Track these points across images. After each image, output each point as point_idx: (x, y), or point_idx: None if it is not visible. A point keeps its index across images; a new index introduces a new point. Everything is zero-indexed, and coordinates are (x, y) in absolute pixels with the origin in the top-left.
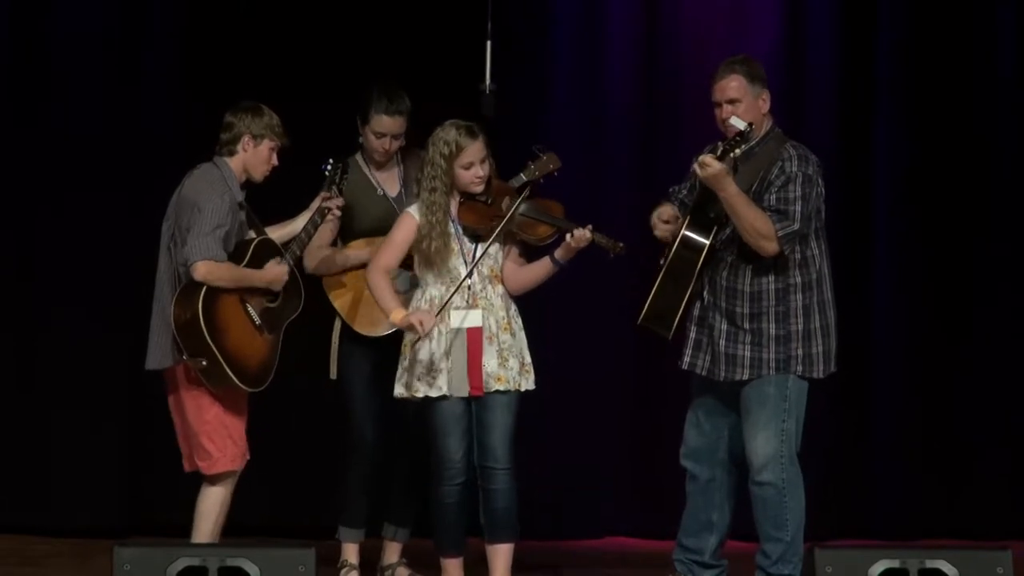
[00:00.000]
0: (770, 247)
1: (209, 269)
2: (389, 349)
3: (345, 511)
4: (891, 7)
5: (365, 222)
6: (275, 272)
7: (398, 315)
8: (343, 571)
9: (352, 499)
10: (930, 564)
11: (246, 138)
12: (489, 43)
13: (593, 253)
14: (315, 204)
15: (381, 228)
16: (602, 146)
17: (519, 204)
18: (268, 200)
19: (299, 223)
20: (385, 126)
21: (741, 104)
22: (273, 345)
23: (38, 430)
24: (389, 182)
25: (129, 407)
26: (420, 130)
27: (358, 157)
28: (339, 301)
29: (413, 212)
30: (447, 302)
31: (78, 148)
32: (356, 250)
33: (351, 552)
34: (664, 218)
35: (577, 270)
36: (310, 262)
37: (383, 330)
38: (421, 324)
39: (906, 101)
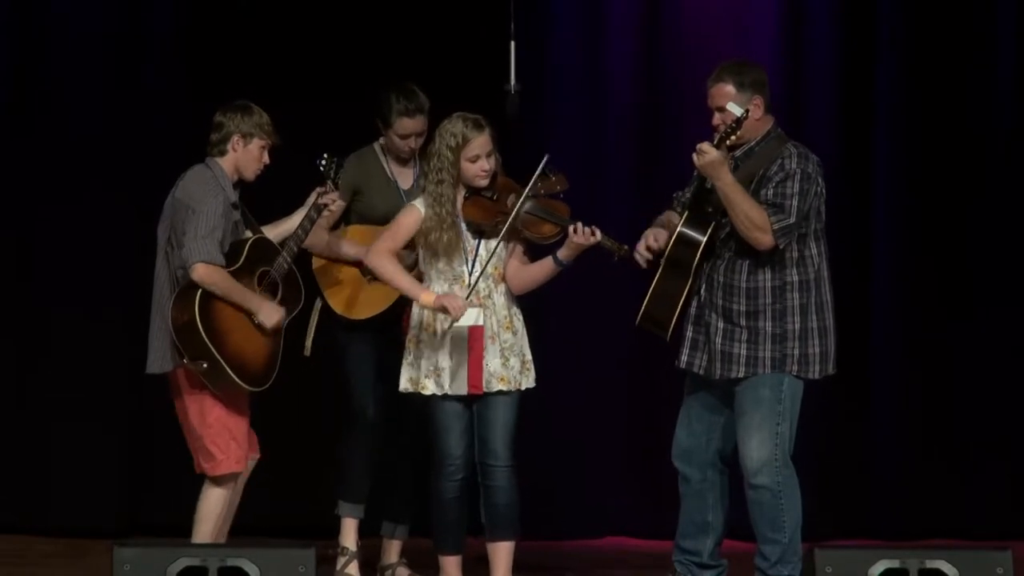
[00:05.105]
0: (764, 239)
1: (207, 271)
2: (389, 334)
3: (344, 484)
4: (891, 7)
5: (374, 209)
6: (270, 310)
7: (428, 298)
8: (341, 560)
9: (352, 473)
10: (930, 564)
11: (236, 137)
12: (513, 43)
13: (595, 253)
14: (311, 199)
15: (386, 217)
16: (602, 147)
17: (524, 201)
18: (267, 198)
19: (295, 220)
20: (408, 127)
21: (726, 109)
22: (274, 343)
23: (38, 430)
24: (404, 176)
25: (129, 408)
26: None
27: (376, 147)
28: (334, 298)
29: (418, 205)
30: (474, 285)
31: (78, 149)
32: (352, 241)
33: (350, 532)
34: (649, 242)
35: (579, 269)
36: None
37: (378, 310)
38: (454, 308)
39: (906, 102)
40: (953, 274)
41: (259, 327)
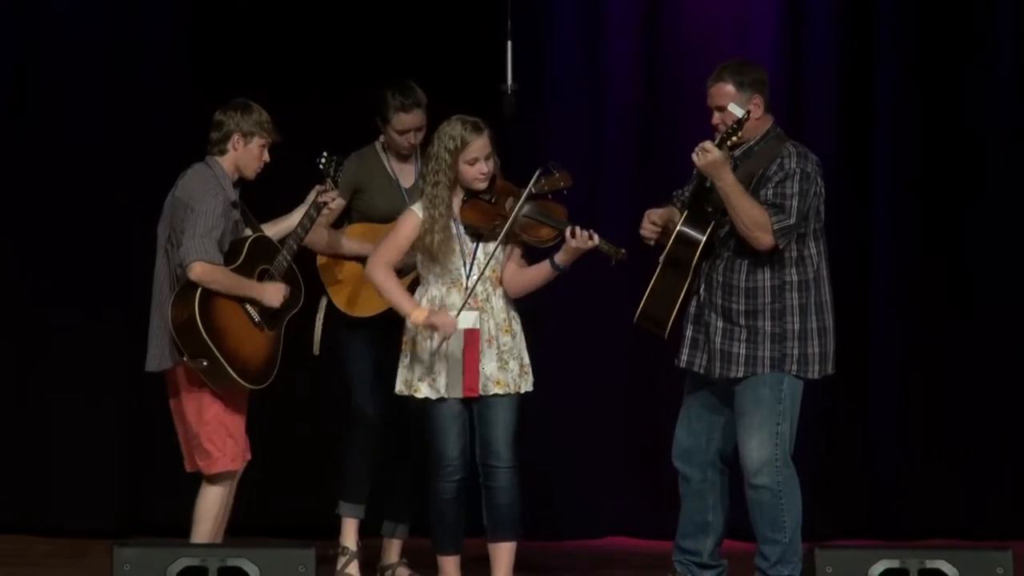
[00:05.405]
0: (765, 239)
1: (205, 270)
2: (388, 331)
3: (345, 485)
4: (891, 7)
5: (375, 208)
6: (271, 291)
7: (419, 316)
8: (342, 559)
9: (352, 473)
10: (930, 564)
11: (236, 136)
12: (510, 43)
13: (593, 255)
14: (310, 198)
15: (388, 216)
16: (602, 147)
17: (522, 204)
18: (267, 197)
19: (295, 218)
20: (406, 123)
21: (727, 110)
22: (274, 341)
23: (38, 431)
24: (405, 173)
25: (129, 408)
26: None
27: (377, 146)
28: (338, 294)
29: (416, 210)
30: (466, 299)
31: (78, 149)
32: (353, 238)
33: (350, 532)
34: (652, 218)
35: (577, 272)
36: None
37: (381, 308)
38: (444, 327)
39: (906, 102)
40: (953, 274)
41: (262, 318)
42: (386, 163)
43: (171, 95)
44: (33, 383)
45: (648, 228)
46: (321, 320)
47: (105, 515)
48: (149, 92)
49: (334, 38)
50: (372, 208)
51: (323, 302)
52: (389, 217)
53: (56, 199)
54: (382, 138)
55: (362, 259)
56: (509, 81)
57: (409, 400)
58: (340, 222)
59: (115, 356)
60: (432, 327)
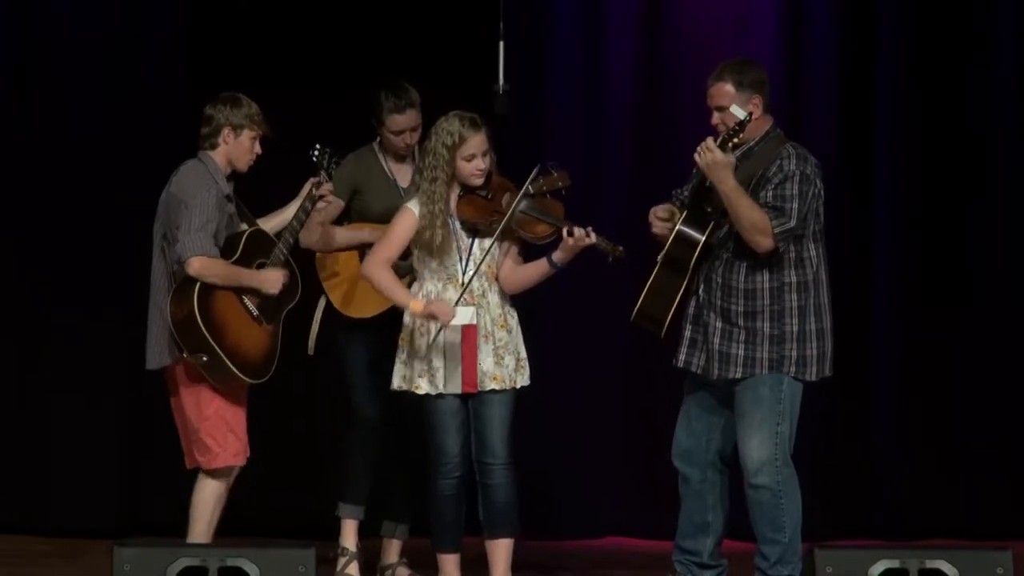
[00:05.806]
0: (765, 243)
1: (203, 264)
2: (387, 332)
3: (344, 486)
4: (891, 7)
5: (373, 208)
6: (270, 276)
7: (417, 306)
8: (342, 560)
9: (352, 474)
10: (930, 564)
11: (226, 130)
12: (502, 43)
13: (591, 252)
14: (305, 190)
15: (386, 216)
16: (602, 147)
17: (519, 201)
18: (263, 194)
19: (290, 211)
20: (400, 124)
21: (728, 111)
22: (273, 335)
23: (38, 431)
24: (403, 174)
25: (129, 408)
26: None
27: (374, 146)
28: (334, 292)
29: (412, 207)
30: (462, 294)
31: (78, 149)
32: (346, 230)
33: (350, 532)
34: (660, 215)
35: (577, 267)
36: (303, 236)
37: (378, 309)
38: (443, 315)
39: (906, 102)
40: (953, 274)
41: (261, 312)
42: (384, 164)
43: (171, 95)
44: (33, 383)
45: (659, 226)
46: (319, 320)
47: (105, 515)
48: (149, 92)
49: (333, 38)
50: (370, 208)
51: (322, 302)
52: (387, 217)
53: (56, 199)
54: (378, 140)
55: (357, 252)
56: (501, 81)
57: (408, 397)
58: (339, 223)
59: (115, 356)
60: (431, 316)
